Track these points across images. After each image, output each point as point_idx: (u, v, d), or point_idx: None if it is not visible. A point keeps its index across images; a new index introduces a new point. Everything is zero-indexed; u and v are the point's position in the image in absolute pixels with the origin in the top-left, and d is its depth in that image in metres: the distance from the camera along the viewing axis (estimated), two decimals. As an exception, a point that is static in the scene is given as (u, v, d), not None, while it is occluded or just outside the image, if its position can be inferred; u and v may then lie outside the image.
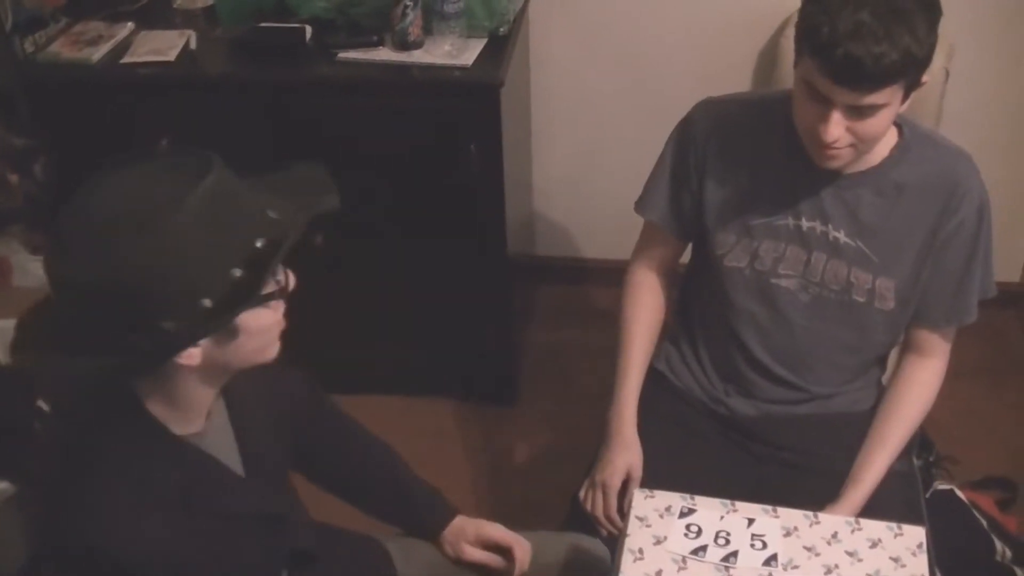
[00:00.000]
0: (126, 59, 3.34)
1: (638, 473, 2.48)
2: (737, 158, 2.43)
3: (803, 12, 2.13)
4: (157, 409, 1.69)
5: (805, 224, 2.37)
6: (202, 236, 1.51)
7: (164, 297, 1.50)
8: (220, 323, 1.57)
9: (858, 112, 2.11)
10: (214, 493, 1.78)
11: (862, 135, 2.16)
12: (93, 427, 1.69)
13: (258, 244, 1.56)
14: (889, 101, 2.10)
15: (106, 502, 1.64)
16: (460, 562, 2.25)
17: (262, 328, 1.67)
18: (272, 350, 1.73)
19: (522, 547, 2.24)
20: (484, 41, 3.33)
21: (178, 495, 1.70)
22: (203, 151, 1.59)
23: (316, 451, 2.18)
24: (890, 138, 2.32)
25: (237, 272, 1.54)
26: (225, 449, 1.84)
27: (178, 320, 1.52)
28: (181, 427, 1.73)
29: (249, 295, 1.58)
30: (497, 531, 2.25)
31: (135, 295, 1.49)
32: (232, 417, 1.86)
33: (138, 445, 1.68)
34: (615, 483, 2.47)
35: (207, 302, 1.52)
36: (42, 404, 2.90)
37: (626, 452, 2.50)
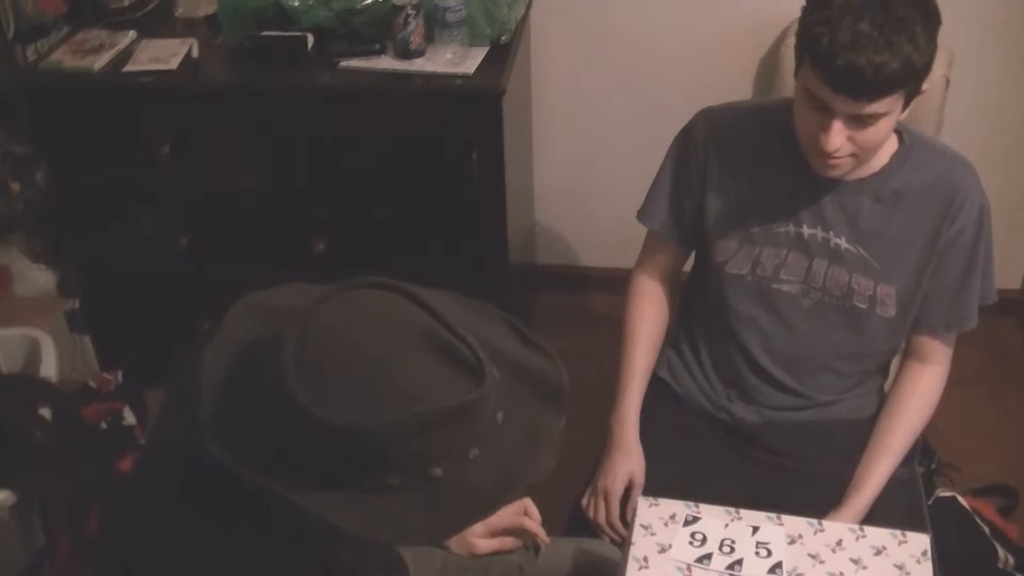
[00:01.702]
0: (128, 67, 3.34)
1: (640, 480, 2.48)
2: (738, 166, 2.43)
3: (803, 22, 2.14)
4: None
5: (806, 231, 2.38)
6: (452, 430, 1.44)
7: (398, 459, 1.44)
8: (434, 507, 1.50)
9: (859, 121, 2.12)
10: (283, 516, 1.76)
11: (863, 144, 2.17)
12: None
13: (472, 453, 1.47)
14: (890, 110, 2.11)
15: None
16: (476, 556, 2.24)
17: None
18: None
19: (531, 512, 2.22)
20: (486, 49, 3.33)
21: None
22: (474, 345, 1.47)
23: None
24: (890, 145, 2.32)
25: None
26: None
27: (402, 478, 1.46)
28: None
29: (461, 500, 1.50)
30: (501, 518, 2.23)
31: (378, 452, 1.42)
32: None
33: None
34: (617, 490, 2.47)
35: (438, 471, 1.46)
36: (43, 413, 2.90)
37: (628, 459, 2.50)
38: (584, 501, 2.52)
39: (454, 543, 2.23)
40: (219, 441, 1.46)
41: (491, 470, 1.48)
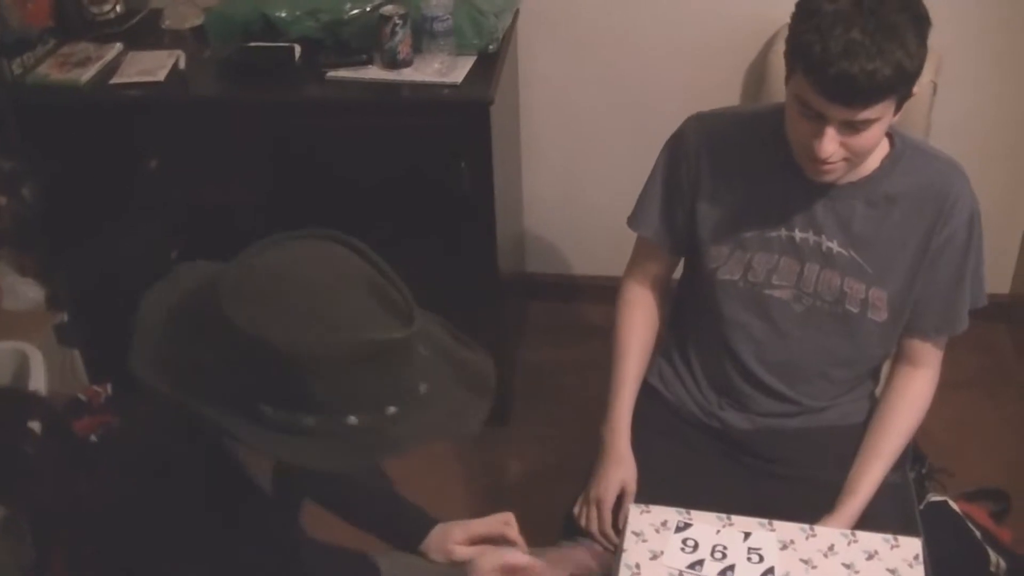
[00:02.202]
0: (115, 80, 3.34)
1: (632, 488, 2.48)
2: (729, 171, 2.43)
3: (794, 30, 2.14)
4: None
5: (798, 235, 2.38)
6: (374, 372, 1.51)
7: (320, 398, 1.50)
8: (348, 460, 1.58)
9: (852, 127, 2.12)
10: (258, 517, 1.80)
11: (856, 149, 2.17)
12: (174, 454, 1.69)
13: (389, 410, 1.55)
14: (882, 115, 2.12)
15: (170, 522, 1.66)
16: (453, 563, 2.25)
17: None
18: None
19: (510, 524, 2.25)
20: (473, 59, 3.33)
21: (232, 518, 1.73)
22: (402, 285, 1.59)
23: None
24: (881, 149, 2.33)
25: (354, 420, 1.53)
26: (263, 473, 1.86)
27: (319, 422, 1.52)
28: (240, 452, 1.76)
29: (371, 450, 1.58)
30: (481, 524, 2.26)
31: (303, 379, 1.48)
32: None
33: (208, 464, 1.70)
34: (610, 499, 2.46)
35: (353, 419, 1.52)
36: (33, 427, 2.90)
37: (620, 467, 2.50)
38: (576, 510, 2.52)
39: (433, 550, 2.25)
40: (149, 369, 1.54)
41: (404, 431, 1.56)
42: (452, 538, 2.24)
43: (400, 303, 1.54)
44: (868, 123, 2.12)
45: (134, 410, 1.89)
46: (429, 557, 2.25)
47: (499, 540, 2.25)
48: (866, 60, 2.02)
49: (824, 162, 2.18)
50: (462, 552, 2.23)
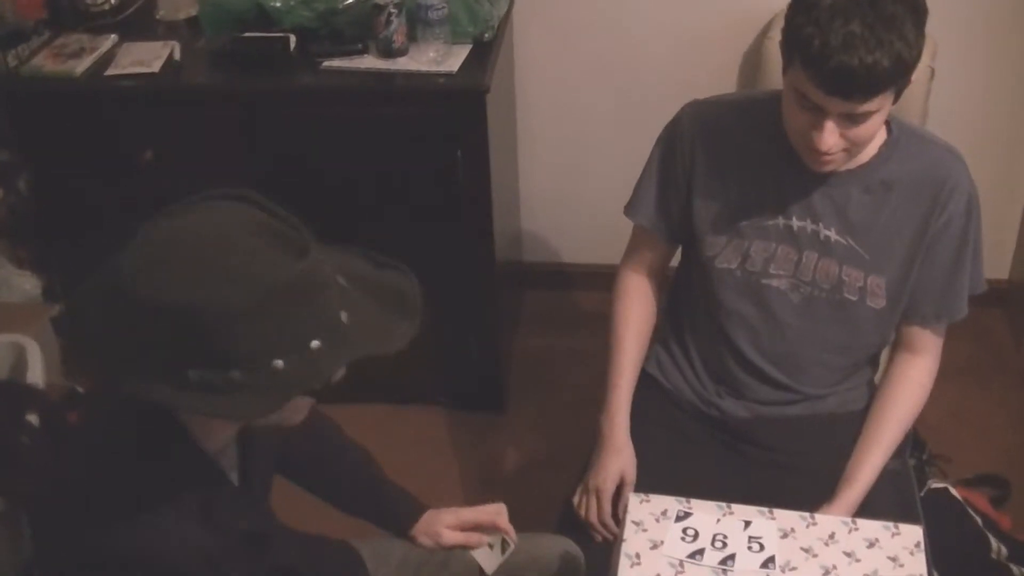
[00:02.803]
0: (110, 71, 3.33)
1: (631, 478, 2.47)
2: (725, 159, 2.43)
3: (791, 22, 2.12)
4: (192, 425, 1.72)
5: (795, 223, 2.37)
6: (284, 312, 1.52)
7: (240, 350, 1.51)
8: (279, 399, 1.59)
9: (851, 119, 2.12)
10: (225, 508, 1.79)
11: (855, 139, 2.17)
12: (128, 439, 1.70)
13: (313, 344, 1.55)
14: (881, 106, 2.11)
15: (147, 513, 1.66)
16: (441, 548, 2.26)
17: (301, 407, 1.73)
18: (300, 417, 1.77)
19: (501, 514, 2.25)
20: (468, 48, 3.33)
21: (201, 510, 1.73)
22: (299, 224, 1.60)
23: (296, 452, 2.19)
24: (879, 135, 2.32)
25: (301, 354, 1.55)
26: (229, 464, 1.86)
27: (246, 374, 1.53)
28: (210, 443, 1.76)
29: (303, 387, 1.60)
30: (472, 512, 2.27)
31: (214, 334, 1.49)
32: (240, 437, 1.87)
33: (173, 459, 1.71)
34: (609, 488, 2.46)
35: (279, 363, 1.53)
36: (30, 419, 2.89)
37: (619, 457, 2.49)
38: (576, 500, 2.52)
39: (422, 535, 2.26)
40: (80, 348, 1.59)
41: (334, 364, 1.58)
42: (442, 523, 2.25)
43: (295, 239, 1.56)
44: (867, 115, 2.11)
45: (94, 403, 1.90)
46: (418, 541, 2.26)
47: (490, 528, 2.26)
48: (865, 52, 2.01)
49: (824, 154, 2.18)
50: (451, 537, 2.25)
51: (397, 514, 2.27)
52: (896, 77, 2.06)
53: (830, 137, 2.14)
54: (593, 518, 2.46)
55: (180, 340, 1.49)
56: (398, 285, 1.76)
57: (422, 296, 1.76)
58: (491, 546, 2.26)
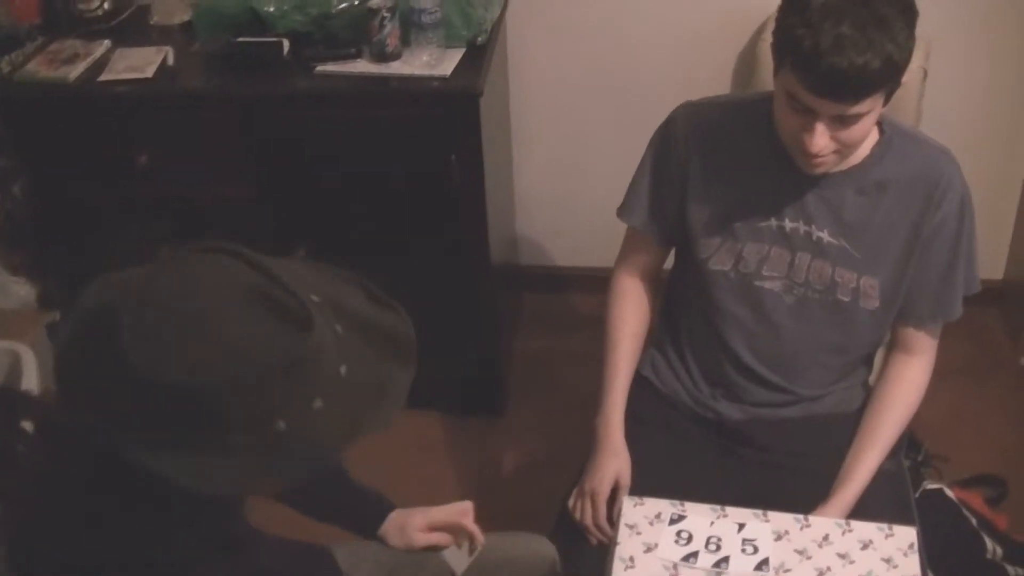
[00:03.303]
0: (104, 76, 3.33)
1: (627, 480, 2.47)
2: (719, 161, 2.43)
3: (782, 24, 2.13)
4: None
5: (788, 225, 2.37)
6: (289, 383, 1.49)
7: (239, 417, 1.49)
8: (282, 460, 1.56)
9: (842, 121, 2.12)
10: (197, 518, 1.78)
11: (847, 142, 2.17)
12: (86, 456, 1.68)
13: (317, 404, 1.52)
14: (873, 108, 2.11)
15: (112, 525, 1.65)
16: (412, 550, 2.26)
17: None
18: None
19: (467, 514, 2.26)
20: (462, 51, 3.33)
21: (170, 516, 1.71)
22: (295, 288, 1.53)
23: None
24: (871, 136, 2.32)
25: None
26: None
27: (249, 438, 1.51)
28: None
29: (307, 448, 1.57)
30: (440, 512, 2.27)
31: (217, 410, 1.47)
32: None
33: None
34: (604, 491, 2.46)
35: (282, 425, 1.50)
36: (25, 426, 2.89)
37: (614, 459, 2.49)
38: (571, 503, 2.51)
39: (392, 535, 2.25)
40: (73, 409, 1.54)
41: (336, 421, 1.54)
42: (413, 525, 2.25)
43: (296, 310, 1.51)
44: (858, 116, 2.11)
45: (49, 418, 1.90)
46: (388, 542, 2.25)
47: (456, 531, 2.26)
48: (856, 54, 2.01)
49: (815, 156, 2.18)
50: (422, 539, 2.25)
51: (365, 515, 2.27)
52: (887, 78, 2.07)
53: (821, 139, 2.14)
54: (588, 521, 2.46)
55: (181, 416, 1.47)
56: (395, 328, 1.71)
57: (416, 342, 1.72)
58: (459, 546, 2.27)
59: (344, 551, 2.30)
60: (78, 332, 1.55)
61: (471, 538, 2.25)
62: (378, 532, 2.25)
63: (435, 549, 2.26)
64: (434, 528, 2.26)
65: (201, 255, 1.55)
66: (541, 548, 2.40)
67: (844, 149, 2.20)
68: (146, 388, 1.45)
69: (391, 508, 2.27)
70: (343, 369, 1.55)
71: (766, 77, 2.33)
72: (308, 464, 1.57)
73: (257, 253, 1.55)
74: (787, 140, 2.25)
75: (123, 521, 1.65)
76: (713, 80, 3.74)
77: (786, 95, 2.15)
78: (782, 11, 2.14)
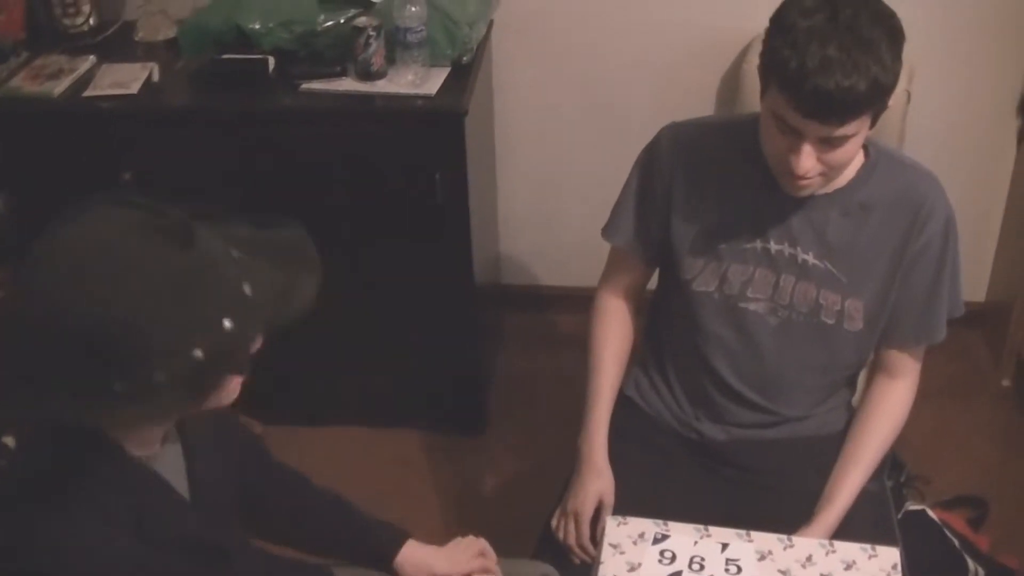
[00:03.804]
0: (88, 92, 3.33)
1: (610, 500, 2.47)
2: (704, 182, 2.43)
3: (769, 46, 2.13)
4: (116, 431, 1.69)
5: (773, 247, 2.38)
6: (187, 301, 1.52)
7: (156, 350, 1.50)
8: (208, 387, 1.59)
9: (829, 143, 2.13)
10: (162, 516, 1.77)
11: (833, 164, 2.18)
12: (50, 452, 1.68)
13: (225, 324, 1.54)
14: (859, 130, 2.12)
15: (72, 529, 1.64)
16: None
17: (232, 386, 1.70)
18: (233, 396, 1.73)
19: (488, 553, 2.26)
20: (447, 70, 3.34)
21: (133, 519, 1.71)
22: (180, 209, 1.58)
23: (270, 511, 2.17)
24: (856, 159, 2.33)
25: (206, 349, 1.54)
26: (175, 473, 1.84)
27: (168, 371, 1.51)
28: (137, 448, 1.73)
29: (228, 368, 1.61)
30: (464, 562, 2.25)
31: (126, 344, 1.48)
32: (184, 443, 1.87)
33: (96, 467, 1.68)
34: (587, 511, 2.45)
35: (198, 352, 1.52)
36: (7, 441, 2.87)
37: (598, 479, 2.49)
38: (554, 523, 2.51)
39: (406, 565, 2.21)
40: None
41: (250, 337, 1.59)
42: (433, 568, 2.22)
43: (175, 229, 1.54)
44: (844, 138, 2.12)
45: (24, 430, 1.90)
46: (404, 572, 2.21)
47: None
48: (842, 76, 2.01)
49: (801, 177, 2.18)
50: None
51: (380, 545, 2.23)
52: (873, 101, 2.07)
53: (807, 161, 2.14)
54: (571, 541, 2.45)
55: (95, 358, 1.48)
56: (289, 240, 1.75)
57: (315, 244, 1.76)
58: None
59: (346, 573, 2.28)
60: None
61: None
62: (394, 563, 2.21)
63: None
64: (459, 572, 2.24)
65: (83, 209, 1.58)
66: (545, 573, 2.38)
67: (830, 171, 2.21)
68: (51, 335, 1.48)
69: (404, 535, 2.24)
70: (246, 288, 1.58)
71: (750, 99, 2.34)
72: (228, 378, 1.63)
73: (136, 196, 1.60)
74: (773, 162, 2.26)
75: (81, 523, 1.66)
76: (697, 102, 3.75)
77: (773, 117, 2.16)
78: (769, 33, 2.14)
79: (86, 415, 1.55)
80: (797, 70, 2.03)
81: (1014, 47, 3.68)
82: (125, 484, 1.71)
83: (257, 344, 1.63)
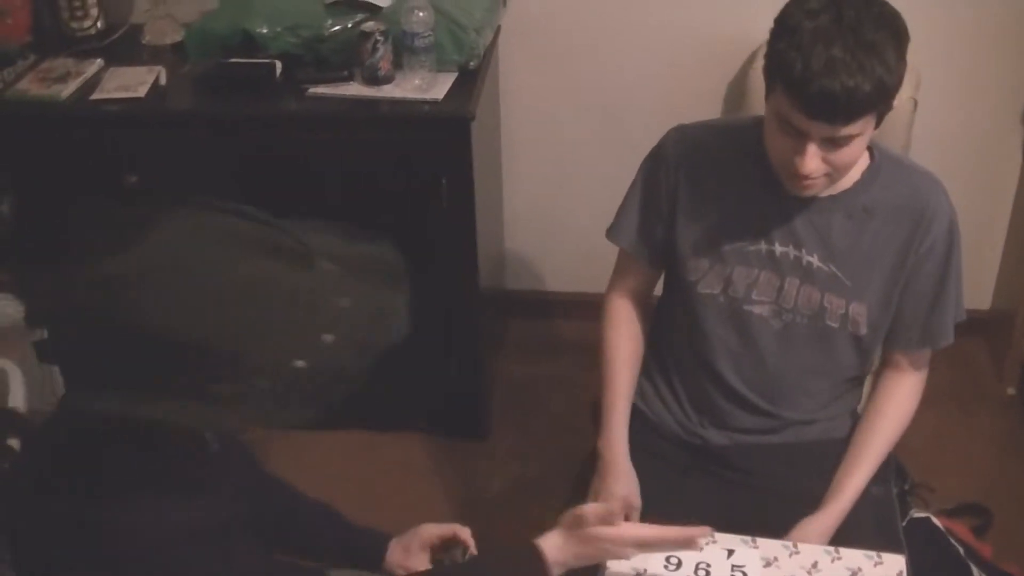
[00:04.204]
0: (95, 96, 3.33)
1: (637, 502, 2.46)
2: (709, 184, 2.44)
3: (773, 47, 2.14)
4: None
5: (778, 249, 2.38)
6: (293, 318, 1.57)
7: (258, 360, 1.55)
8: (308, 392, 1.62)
9: (833, 143, 2.13)
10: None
11: (837, 164, 2.18)
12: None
13: (326, 338, 1.59)
14: (863, 130, 2.13)
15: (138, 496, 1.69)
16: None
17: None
18: None
19: (460, 530, 2.28)
20: (454, 75, 3.34)
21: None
22: (296, 234, 1.62)
23: (262, 520, 2.19)
24: (861, 161, 2.34)
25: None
26: None
27: (271, 380, 1.57)
28: None
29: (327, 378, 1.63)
30: (435, 528, 2.29)
31: (236, 356, 1.53)
32: None
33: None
34: (618, 514, 2.44)
35: (300, 363, 1.57)
36: (12, 444, 2.87)
37: (623, 483, 2.48)
38: None
39: (395, 565, 2.26)
40: (85, 390, 1.61)
41: (347, 351, 1.62)
42: (410, 550, 2.26)
43: (295, 248, 1.59)
44: (849, 139, 2.13)
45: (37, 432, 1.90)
46: (396, 574, 2.25)
47: (453, 539, 2.28)
48: (847, 77, 2.02)
49: (806, 178, 2.19)
50: (423, 561, 2.26)
51: (366, 548, 2.28)
52: (877, 101, 2.08)
53: (812, 161, 2.15)
54: None
55: (202, 365, 1.52)
56: (381, 258, 1.82)
57: (403, 264, 1.82)
58: (454, 558, 2.28)
59: (340, 575, 2.30)
60: (70, 310, 1.63)
61: (465, 546, 2.26)
62: (383, 564, 2.26)
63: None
64: (425, 545, 2.26)
65: (188, 213, 1.63)
66: None
67: (835, 172, 2.21)
68: (161, 345, 1.50)
69: (388, 538, 2.28)
70: (345, 302, 1.62)
71: (756, 106, 2.34)
72: (328, 396, 1.62)
73: (234, 203, 1.64)
74: (777, 163, 2.26)
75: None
76: (703, 108, 3.75)
77: (777, 118, 2.17)
78: (773, 35, 2.15)
79: (186, 415, 1.58)
80: (802, 72, 2.05)
81: (1020, 55, 3.68)
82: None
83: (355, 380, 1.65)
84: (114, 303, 1.53)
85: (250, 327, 1.51)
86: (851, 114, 2.07)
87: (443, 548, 2.29)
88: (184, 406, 1.55)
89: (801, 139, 2.14)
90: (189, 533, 1.79)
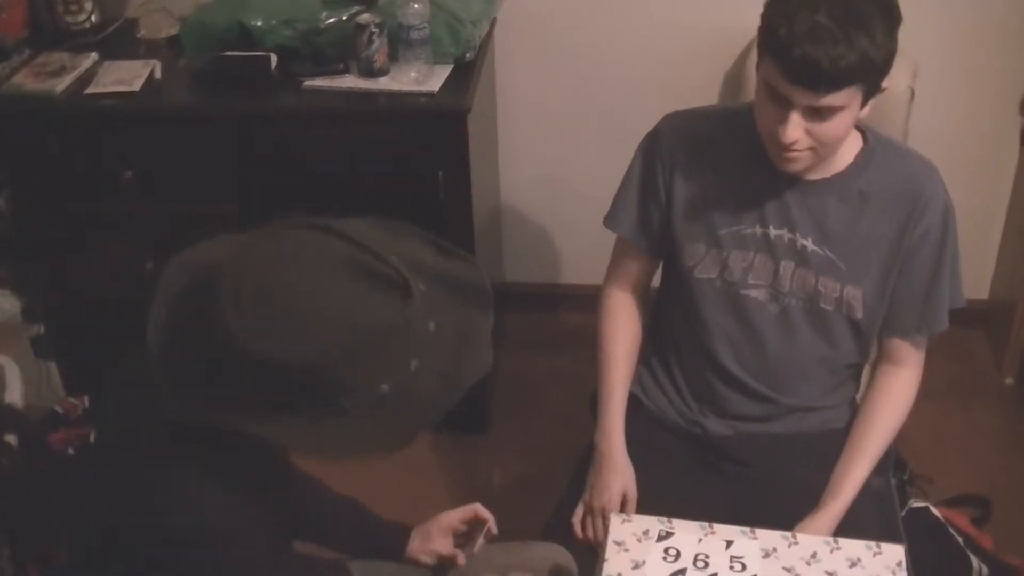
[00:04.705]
0: (90, 90, 3.32)
1: (634, 495, 2.47)
2: (704, 169, 2.44)
3: (764, 15, 2.17)
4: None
5: (773, 232, 2.38)
6: (386, 347, 1.56)
7: (346, 384, 1.55)
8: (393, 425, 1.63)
9: (817, 114, 2.14)
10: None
11: (821, 138, 2.19)
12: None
13: (413, 364, 1.59)
14: (847, 104, 2.13)
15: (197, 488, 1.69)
16: (442, 560, 2.31)
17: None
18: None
19: (480, 510, 2.32)
20: (450, 68, 3.33)
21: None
22: (396, 264, 1.60)
23: (291, 514, 2.19)
24: (855, 145, 2.35)
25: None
26: None
27: (355, 402, 1.57)
28: None
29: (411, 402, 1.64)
30: (455, 514, 2.33)
31: (326, 380, 1.54)
32: None
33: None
34: (614, 508, 2.45)
35: (385, 387, 1.58)
36: (9, 440, 2.87)
37: (620, 476, 2.49)
38: (577, 521, 2.50)
39: (418, 552, 2.30)
40: (175, 392, 1.59)
41: (434, 375, 1.63)
42: (431, 536, 2.30)
43: (394, 278, 1.57)
44: (833, 110, 2.13)
45: (108, 424, 1.89)
46: (420, 561, 2.30)
47: (473, 521, 2.32)
48: (831, 45, 2.04)
49: (788, 148, 2.19)
50: (446, 546, 2.30)
51: (390, 539, 2.32)
52: (861, 74, 2.09)
53: (794, 130, 2.15)
54: (600, 538, 2.44)
55: (292, 388, 1.53)
56: (467, 277, 1.78)
57: (490, 286, 1.80)
58: (475, 541, 2.31)
59: (360, 566, 2.30)
60: (177, 312, 1.62)
61: (487, 525, 2.30)
62: (405, 556, 2.31)
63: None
64: (453, 528, 2.31)
65: (290, 230, 1.60)
66: (558, 558, 2.39)
67: (820, 147, 2.21)
68: (253, 363, 1.51)
69: (409, 528, 2.33)
70: (431, 325, 1.61)
71: (752, 98, 2.34)
72: (410, 423, 1.65)
73: (334, 221, 1.62)
74: (764, 134, 2.27)
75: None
76: (699, 100, 3.64)
77: (764, 85, 2.18)
78: (766, 5, 2.18)
79: (271, 432, 1.59)
80: (786, 36, 2.07)
81: (1018, 45, 3.67)
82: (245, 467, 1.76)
83: (439, 408, 1.69)
84: (209, 298, 1.54)
85: (347, 356, 1.51)
86: (833, 83, 2.08)
87: (465, 532, 2.33)
88: (264, 425, 1.57)
89: (785, 107, 2.15)
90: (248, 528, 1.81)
